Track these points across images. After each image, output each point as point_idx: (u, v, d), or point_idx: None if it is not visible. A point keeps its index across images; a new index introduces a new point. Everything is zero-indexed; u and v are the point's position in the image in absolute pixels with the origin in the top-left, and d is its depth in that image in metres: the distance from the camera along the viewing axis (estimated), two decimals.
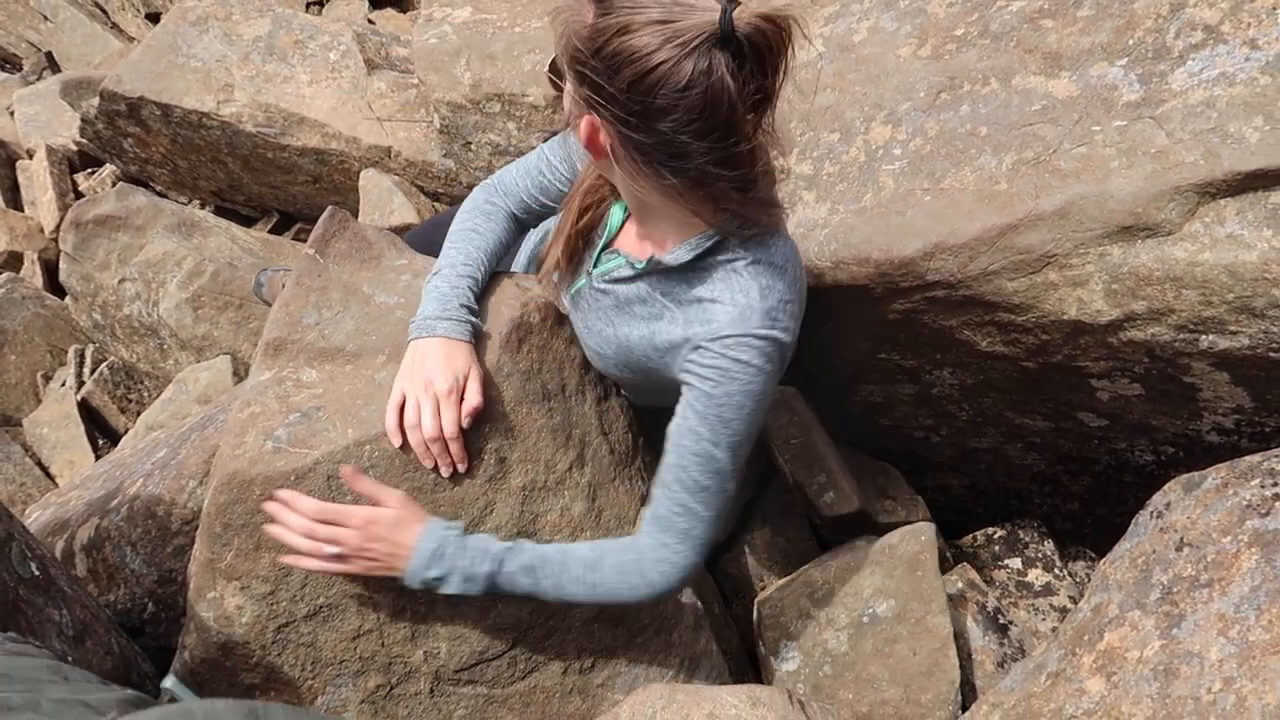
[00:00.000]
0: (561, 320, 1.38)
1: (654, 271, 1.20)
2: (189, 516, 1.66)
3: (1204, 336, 1.30)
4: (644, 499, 1.41)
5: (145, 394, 3.49)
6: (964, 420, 1.71)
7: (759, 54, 0.99)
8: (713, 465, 1.15)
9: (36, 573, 1.12)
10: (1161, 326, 1.32)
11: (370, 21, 5.58)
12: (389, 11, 5.70)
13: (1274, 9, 1.28)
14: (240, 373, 2.98)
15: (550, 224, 1.70)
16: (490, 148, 3.28)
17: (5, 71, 5.76)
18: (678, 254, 1.17)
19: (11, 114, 4.83)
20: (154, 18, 5.89)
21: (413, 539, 1.16)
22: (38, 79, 5.44)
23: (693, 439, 1.15)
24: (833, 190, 1.57)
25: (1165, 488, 1.35)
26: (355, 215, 3.86)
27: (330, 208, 1.44)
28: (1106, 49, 1.40)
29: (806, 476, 1.64)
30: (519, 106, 3.15)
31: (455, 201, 3.67)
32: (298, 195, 3.88)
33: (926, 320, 1.51)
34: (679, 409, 1.18)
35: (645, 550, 1.21)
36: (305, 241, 4.01)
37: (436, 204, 3.64)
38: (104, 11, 6.08)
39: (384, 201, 3.44)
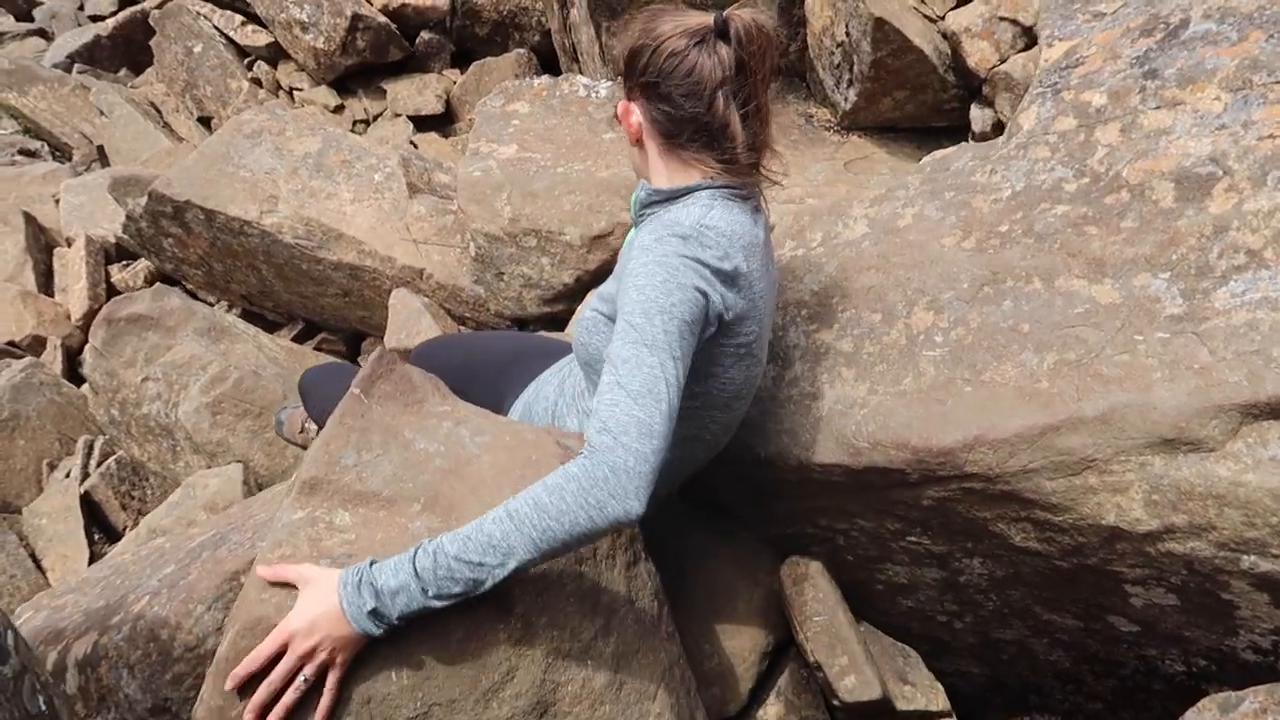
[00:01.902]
0: None
1: (648, 202, 1.46)
2: (193, 643, 1.61)
3: (1245, 557, 1.29)
4: (666, 671, 1.38)
5: (149, 493, 3.46)
6: (990, 610, 1.68)
7: (740, 40, 1.37)
8: (631, 335, 1.24)
9: (44, 708, 1.08)
10: (1202, 542, 1.31)
11: (413, 144, 5.79)
12: (432, 135, 5.91)
13: None
14: (251, 483, 2.96)
15: (534, 406, 1.74)
16: (522, 280, 3.34)
17: (56, 160, 5.96)
18: (664, 188, 1.45)
19: (56, 202, 4.96)
20: (205, 121, 6.11)
21: (333, 599, 1.13)
22: (86, 169, 5.62)
23: (620, 319, 1.28)
24: (872, 370, 1.59)
25: (1200, 705, 1.31)
26: (381, 332, 3.92)
27: (379, 348, 1.46)
28: (1150, 261, 1.44)
29: (828, 657, 1.60)
30: (555, 244, 3.22)
31: (480, 327, 3.72)
32: (326, 307, 3.94)
33: (960, 510, 1.50)
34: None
35: (582, 458, 1.17)
36: (327, 351, 4.03)
37: (463, 327, 3.69)
38: (158, 111, 6.32)
39: (412, 322, 3.48)
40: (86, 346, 4.14)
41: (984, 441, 1.41)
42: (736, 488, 1.75)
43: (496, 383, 2.04)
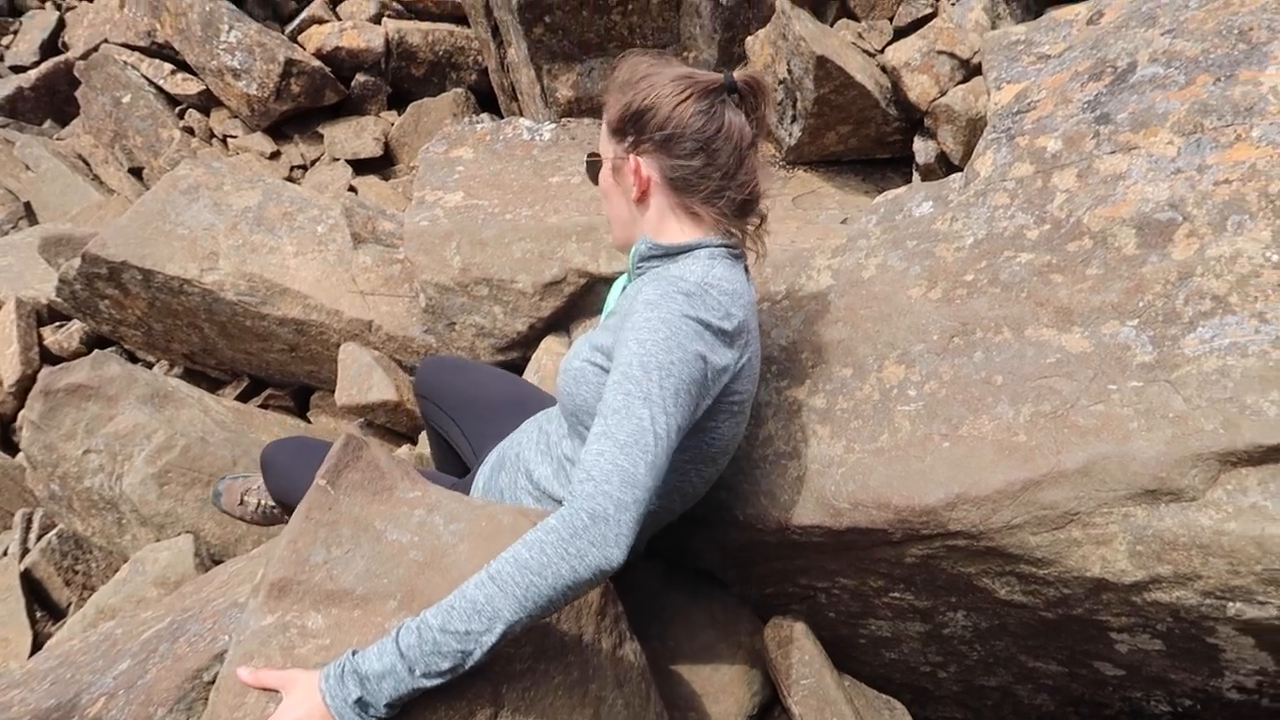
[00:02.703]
0: None
1: (648, 256, 1.47)
2: None
3: (1231, 604, 1.29)
4: None
5: (93, 566, 3.32)
6: (974, 660, 1.67)
7: (753, 96, 1.45)
8: (625, 386, 1.23)
9: None
10: (1188, 591, 1.31)
11: (352, 188, 5.70)
12: (371, 178, 5.82)
13: (1279, 285, 1.34)
14: (203, 554, 2.85)
15: (506, 452, 1.73)
16: (474, 329, 3.29)
17: None
18: (665, 243, 1.46)
19: None
20: (136, 172, 5.95)
21: (315, 698, 1.08)
22: (13, 228, 5.43)
23: (615, 371, 1.26)
24: (847, 427, 1.57)
25: None
26: (329, 386, 3.82)
27: (345, 434, 1.40)
28: (1117, 309, 1.44)
29: None
30: (507, 292, 3.18)
31: None
32: (271, 362, 3.84)
33: (945, 566, 1.49)
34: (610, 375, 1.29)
35: (563, 508, 1.14)
36: (274, 408, 3.91)
37: (412, 377, 3.62)
38: (86, 163, 6.15)
39: (362, 377, 3.41)
40: (22, 419, 3.98)
41: (966, 499, 1.40)
42: (714, 550, 1.72)
43: (487, 422, 2.03)
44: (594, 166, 1.57)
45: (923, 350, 1.58)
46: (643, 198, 1.49)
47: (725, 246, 1.46)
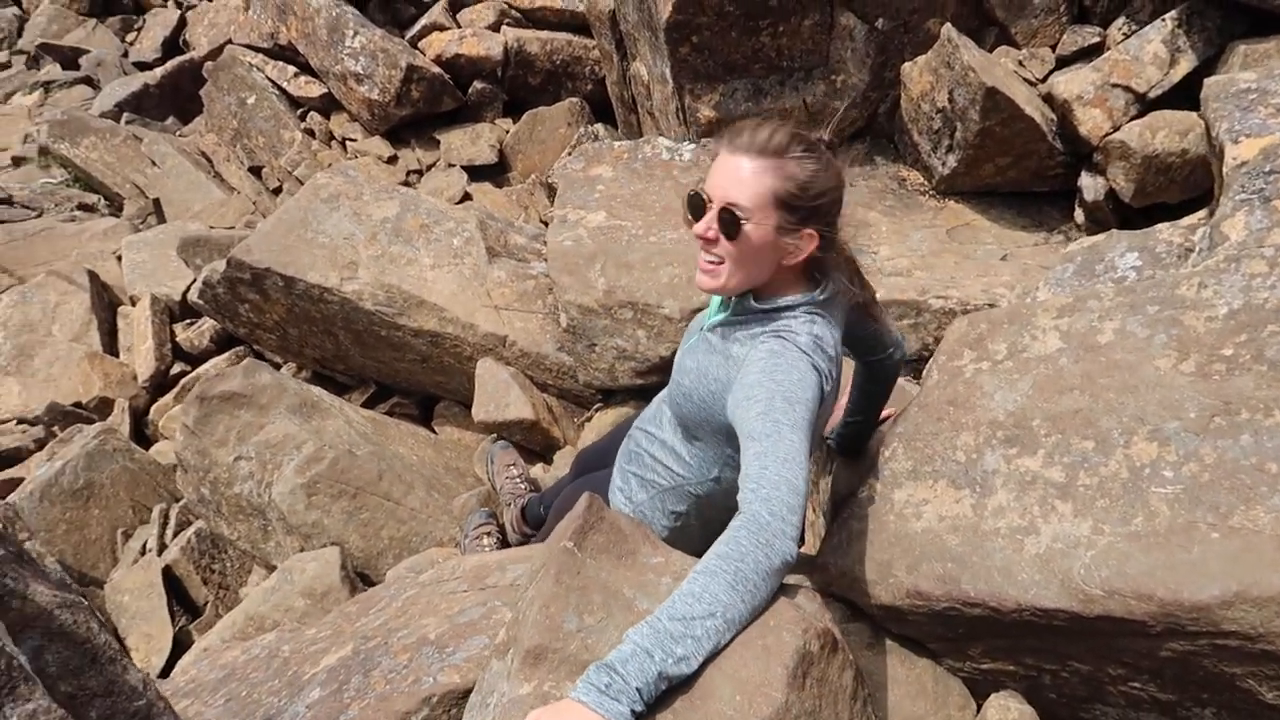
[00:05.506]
0: (835, 646, 1.28)
1: (754, 311, 1.62)
2: None
3: None
4: None
5: (228, 566, 3.37)
6: None
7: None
8: (773, 415, 1.41)
9: None
10: None
11: (467, 195, 5.73)
12: (486, 185, 5.84)
13: None
14: (348, 568, 2.86)
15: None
16: (615, 352, 3.25)
17: (108, 210, 5.91)
18: (777, 303, 1.62)
19: (118, 259, 4.91)
20: (255, 171, 6.06)
21: (576, 707, 1.11)
22: (143, 224, 5.56)
23: (756, 403, 1.44)
24: (1093, 506, 1.49)
25: None
26: (456, 398, 3.84)
27: (586, 494, 1.37)
28: None
29: None
30: (652, 316, 3.14)
31: (564, 395, 3.64)
32: (400, 371, 3.87)
33: (1205, 664, 1.40)
34: (741, 407, 1.48)
35: (742, 513, 1.29)
36: (399, 415, 3.91)
37: (546, 395, 3.60)
38: (209, 161, 6.28)
39: (500, 394, 3.40)
40: (156, 413, 4.07)
41: (1246, 599, 1.30)
42: (932, 620, 1.64)
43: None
44: (733, 222, 1.53)
45: (1178, 428, 1.49)
46: (798, 263, 1.60)
47: (818, 305, 1.62)
